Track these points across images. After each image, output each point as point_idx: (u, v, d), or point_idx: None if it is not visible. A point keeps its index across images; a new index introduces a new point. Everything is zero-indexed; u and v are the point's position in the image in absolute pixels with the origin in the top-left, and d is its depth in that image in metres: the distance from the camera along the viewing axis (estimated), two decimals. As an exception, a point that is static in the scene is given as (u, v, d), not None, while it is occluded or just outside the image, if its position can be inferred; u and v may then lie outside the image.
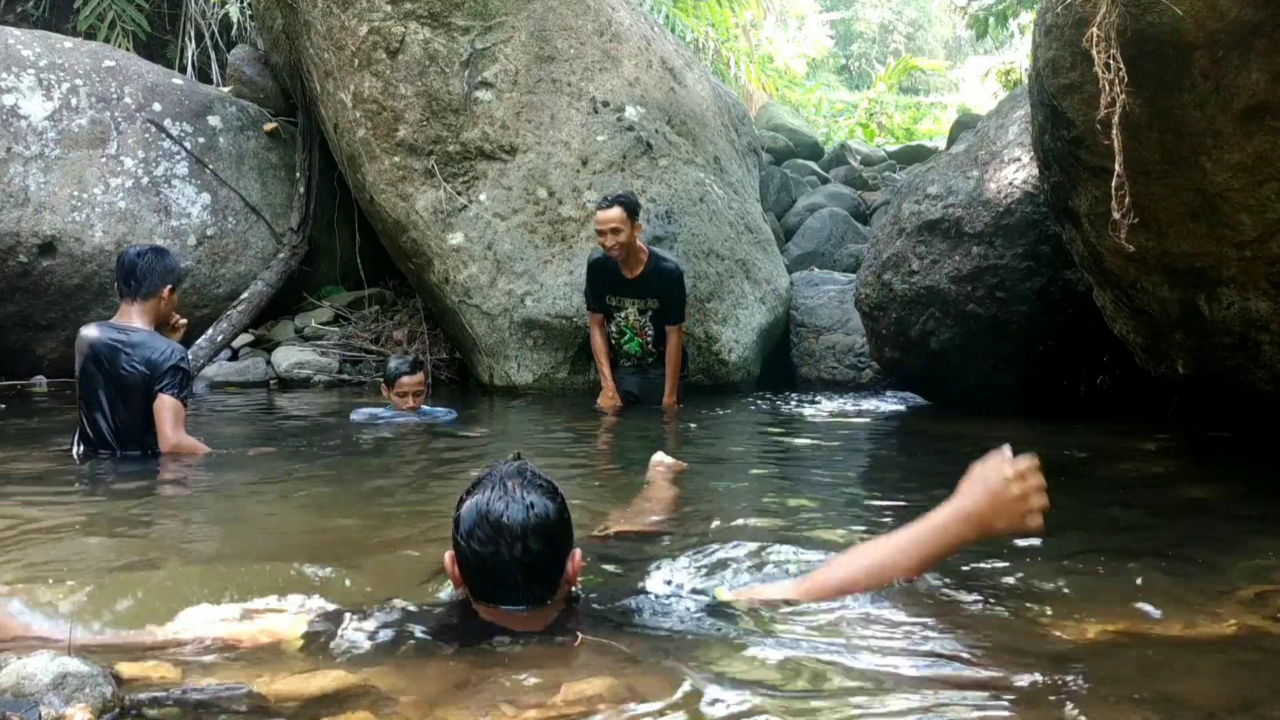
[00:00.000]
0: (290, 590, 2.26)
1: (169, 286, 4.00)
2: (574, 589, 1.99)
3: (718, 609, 2.07)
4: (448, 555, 1.93)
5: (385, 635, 1.90)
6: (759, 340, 6.89)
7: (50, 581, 2.37)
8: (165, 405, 3.92)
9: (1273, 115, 3.14)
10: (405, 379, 5.18)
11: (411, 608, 2.02)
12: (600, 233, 5.58)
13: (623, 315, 5.89)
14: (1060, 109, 3.71)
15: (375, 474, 4.09)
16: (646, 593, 2.18)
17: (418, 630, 1.92)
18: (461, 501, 1.91)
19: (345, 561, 2.68)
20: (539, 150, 6.70)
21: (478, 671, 1.78)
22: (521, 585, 1.87)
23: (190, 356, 4.03)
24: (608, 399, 5.81)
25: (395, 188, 6.69)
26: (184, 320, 4.22)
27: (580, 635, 1.87)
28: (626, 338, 5.91)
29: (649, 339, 5.89)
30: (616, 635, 1.90)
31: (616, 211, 5.52)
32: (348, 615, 1.96)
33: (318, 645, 1.88)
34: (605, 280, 5.84)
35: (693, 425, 5.47)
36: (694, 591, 2.22)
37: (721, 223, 6.99)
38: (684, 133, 7.17)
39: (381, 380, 5.55)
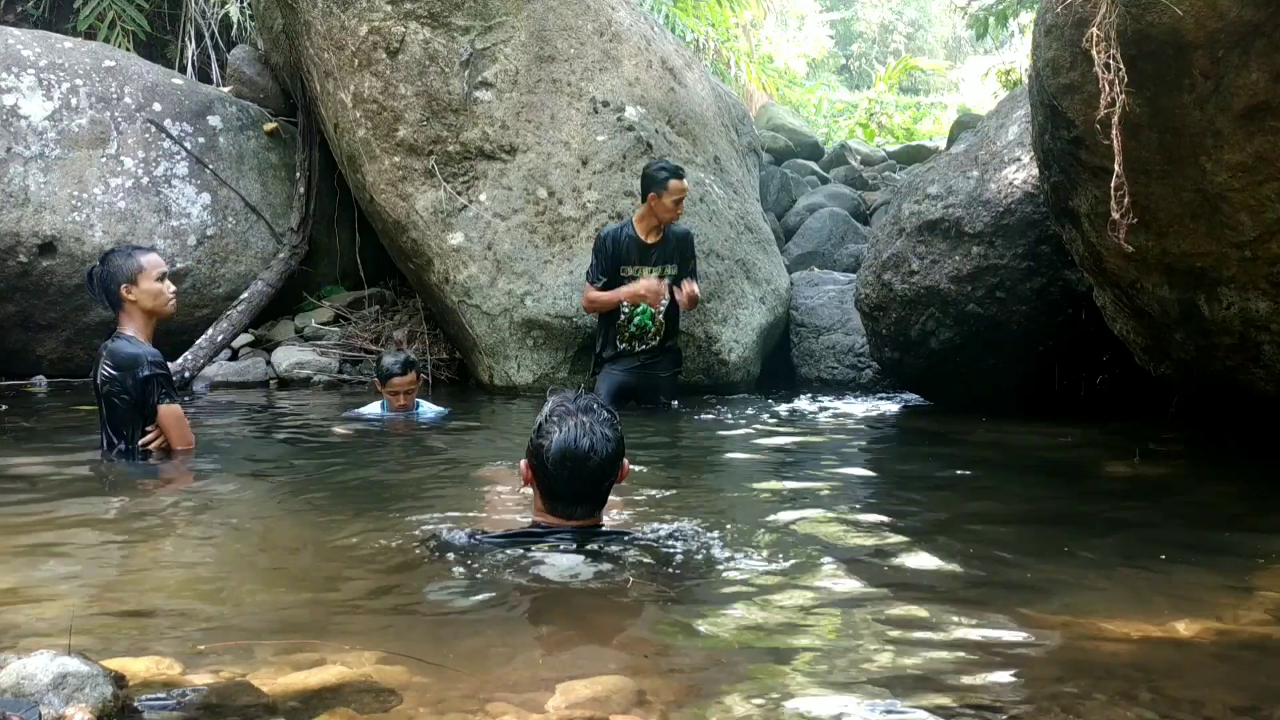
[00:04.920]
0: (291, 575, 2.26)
1: (123, 284, 3.93)
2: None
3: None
4: (523, 464, 2.49)
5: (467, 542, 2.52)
6: (759, 340, 6.89)
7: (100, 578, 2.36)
8: (166, 415, 4.02)
9: (1273, 115, 3.14)
10: (396, 380, 5.32)
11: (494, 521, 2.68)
12: (677, 202, 5.83)
13: None
14: (1060, 109, 3.71)
15: (370, 469, 4.13)
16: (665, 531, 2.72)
17: (496, 537, 2.51)
18: (540, 430, 2.44)
19: (344, 549, 2.70)
20: (539, 150, 6.70)
21: (481, 668, 1.78)
22: (589, 495, 2.47)
23: (157, 356, 4.00)
24: (648, 283, 5.82)
25: (395, 188, 6.69)
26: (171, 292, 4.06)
27: (622, 551, 2.47)
28: (640, 308, 5.92)
29: (660, 308, 5.93)
30: (646, 557, 2.48)
31: (687, 180, 5.97)
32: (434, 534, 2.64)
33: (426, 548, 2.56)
34: (623, 252, 5.89)
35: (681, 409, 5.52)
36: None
37: (721, 223, 6.98)
38: (684, 133, 7.17)
39: (375, 375, 5.68)
